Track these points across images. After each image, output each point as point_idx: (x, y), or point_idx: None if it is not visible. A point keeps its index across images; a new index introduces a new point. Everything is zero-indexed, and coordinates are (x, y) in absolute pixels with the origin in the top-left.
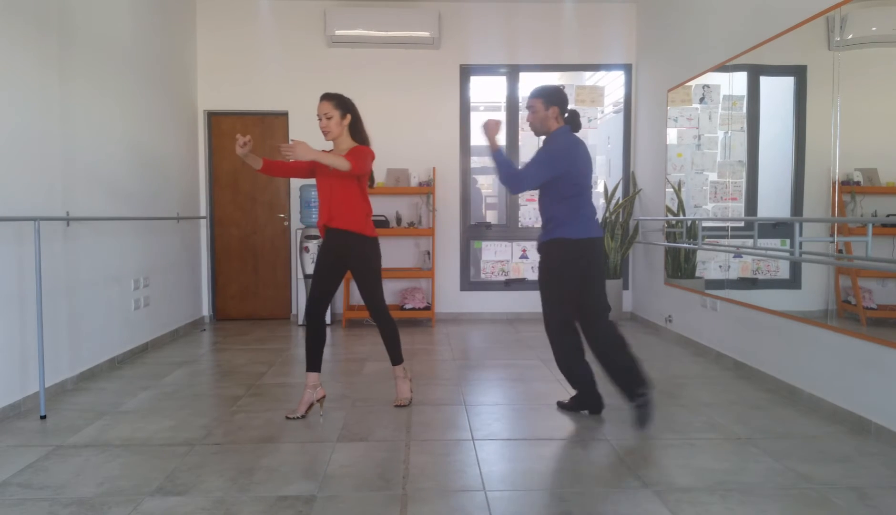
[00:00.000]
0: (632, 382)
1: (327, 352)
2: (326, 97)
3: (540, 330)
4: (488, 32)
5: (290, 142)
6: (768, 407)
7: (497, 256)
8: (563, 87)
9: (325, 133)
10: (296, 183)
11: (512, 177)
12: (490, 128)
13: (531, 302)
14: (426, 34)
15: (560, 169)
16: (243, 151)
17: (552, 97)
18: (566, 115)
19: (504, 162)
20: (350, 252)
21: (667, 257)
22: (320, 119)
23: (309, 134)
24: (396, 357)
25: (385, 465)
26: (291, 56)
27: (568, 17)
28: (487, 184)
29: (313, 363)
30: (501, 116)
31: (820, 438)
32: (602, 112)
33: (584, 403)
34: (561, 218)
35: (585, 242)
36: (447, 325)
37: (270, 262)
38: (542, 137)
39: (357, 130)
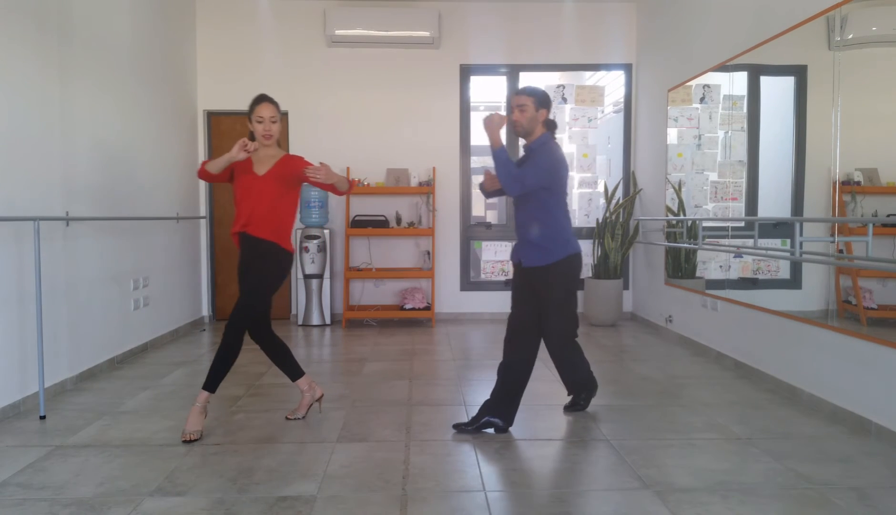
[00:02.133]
0: (508, 407)
1: (327, 352)
2: (271, 100)
3: None
4: (488, 32)
5: (319, 164)
6: (768, 407)
7: (497, 256)
8: (564, 87)
9: (269, 137)
10: None
11: (514, 178)
12: (494, 123)
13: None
14: (426, 34)
15: (559, 178)
16: (242, 156)
17: (543, 100)
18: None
19: (507, 161)
20: (258, 260)
21: (667, 257)
22: (262, 121)
23: (309, 134)
24: (210, 380)
25: (385, 465)
26: (291, 56)
27: (568, 17)
28: None
29: (293, 372)
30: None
31: (820, 438)
32: (602, 112)
33: (587, 391)
34: (567, 232)
35: (581, 257)
36: (447, 325)
37: None
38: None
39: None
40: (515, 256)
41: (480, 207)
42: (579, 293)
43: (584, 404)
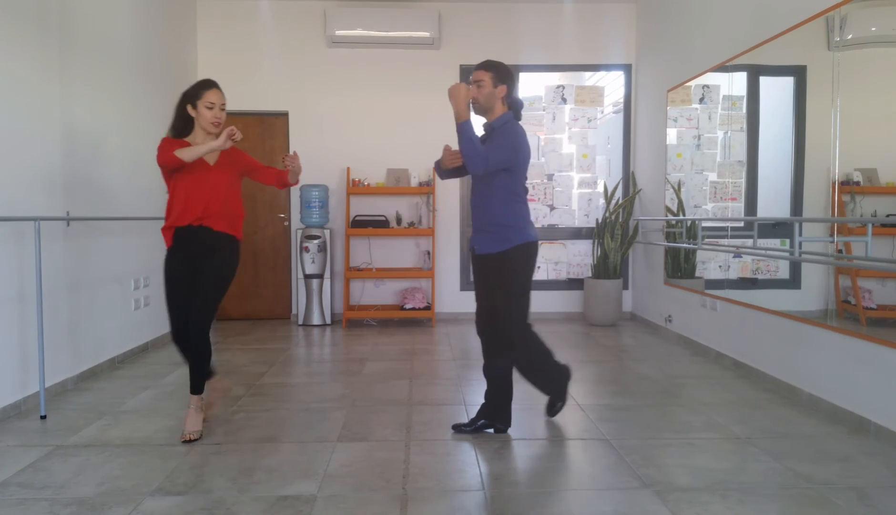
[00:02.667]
0: (504, 409)
1: (327, 352)
2: (219, 87)
3: (540, 330)
4: (488, 32)
5: (292, 153)
6: (768, 407)
7: None
8: (561, 88)
9: (218, 124)
10: None
11: (478, 154)
12: (461, 94)
13: (531, 302)
14: (426, 34)
15: (521, 160)
16: (228, 146)
17: (502, 74)
18: (509, 100)
19: (473, 136)
20: (214, 253)
21: (667, 257)
22: (212, 108)
23: (309, 134)
24: (198, 385)
25: (385, 465)
26: (291, 56)
27: (568, 17)
28: None
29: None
30: None
31: (820, 438)
32: (602, 112)
33: (560, 395)
34: (522, 219)
35: (537, 246)
36: (447, 325)
37: (270, 262)
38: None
39: None
40: (471, 242)
41: None
42: (578, 293)
43: (561, 398)
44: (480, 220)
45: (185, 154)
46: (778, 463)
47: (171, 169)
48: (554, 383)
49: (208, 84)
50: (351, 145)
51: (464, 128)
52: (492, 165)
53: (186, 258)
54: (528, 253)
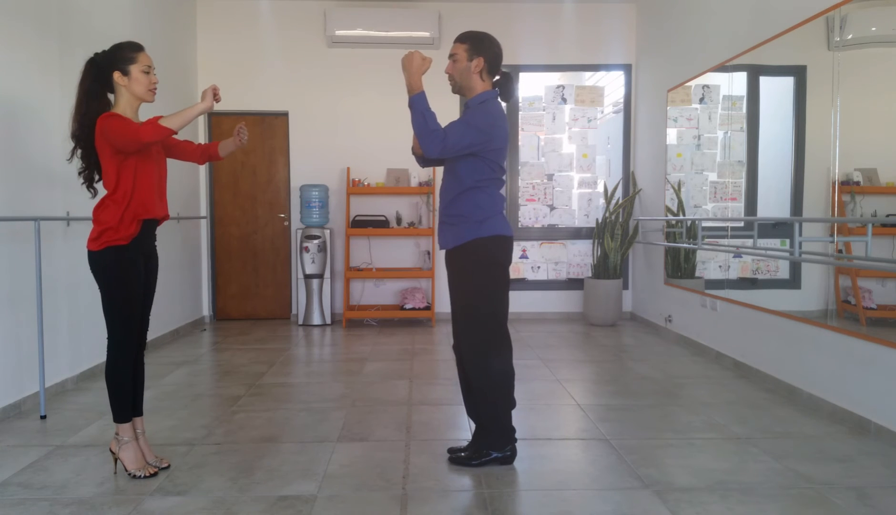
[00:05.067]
0: (505, 433)
1: (327, 352)
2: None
3: (540, 330)
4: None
5: (243, 124)
6: (768, 407)
7: None
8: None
9: (155, 91)
10: (296, 183)
11: (432, 133)
12: (414, 63)
13: (531, 302)
14: (426, 34)
15: (494, 144)
16: (213, 107)
17: (479, 45)
18: (497, 78)
19: (426, 111)
20: (155, 251)
21: (667, 256)
22: (148, 72)
23: (309, 134)
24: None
25: (385, 465)
26: (291, 56)
27: (568, 17)
28: None
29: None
30: None
31: (820, 438)
32: (602, 112)
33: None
34: (488, 211)
35: (511, 241)
36: (447, 325)
37: (270, 262)
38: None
39: None
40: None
41: None
42: (579, 293)
43: (479, 453)
44: (443, 211)
45: (174, 123)
46: (778, 463)
47: (153, 140)
48: (486, 431)
49: (138, 46)
50: (351, 145)
51: (414, 102)
52: (451, 146)
53: (141, 257)
54: (492, 248)
